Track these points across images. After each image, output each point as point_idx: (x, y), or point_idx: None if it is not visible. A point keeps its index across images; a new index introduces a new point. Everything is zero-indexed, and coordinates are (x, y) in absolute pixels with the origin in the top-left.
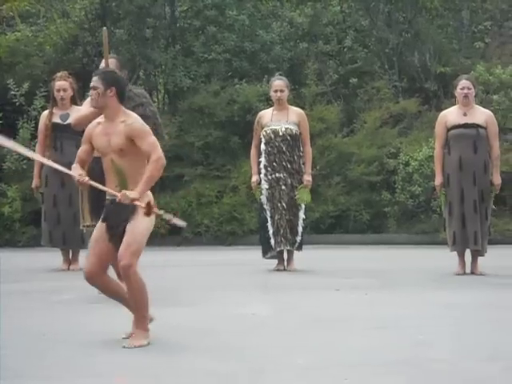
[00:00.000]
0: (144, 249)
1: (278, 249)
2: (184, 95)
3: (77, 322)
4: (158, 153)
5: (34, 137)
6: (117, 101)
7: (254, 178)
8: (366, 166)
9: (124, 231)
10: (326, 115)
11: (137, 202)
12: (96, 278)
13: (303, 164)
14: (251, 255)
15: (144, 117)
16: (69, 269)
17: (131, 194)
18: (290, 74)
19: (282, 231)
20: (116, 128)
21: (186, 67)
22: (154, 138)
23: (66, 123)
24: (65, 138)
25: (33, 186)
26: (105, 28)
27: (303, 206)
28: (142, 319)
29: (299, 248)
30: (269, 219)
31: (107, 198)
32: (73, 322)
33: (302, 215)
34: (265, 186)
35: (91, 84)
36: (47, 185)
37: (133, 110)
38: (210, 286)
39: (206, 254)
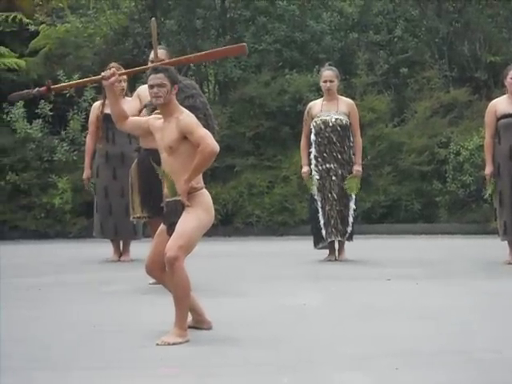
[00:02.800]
0: (203, 239)
1: (329, 240)
2: (235, 86)
3: (127, 313)
4: (205, 143)
5: (84, 128)
6: (175, 98)
7: (305, 169)
8: (417, 156)
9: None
10: (377, 105)
11: (184, 199)
12: (154, 270)
13: (353, 154)
14: (302, 245)
15: (194, 108)
16: (119, 260)
17: (180, 190)
18: (341, 64)
19: (332, 222)
20: (169, 124)
21: (236, 58)
22: (203, 130)
23: None
24: (116, 128)
25: (84, 177)
26: (153, 19)
27: (353, 197)
28: (181, 318)
29: (350, 238)
30: (320, 210)
31: (165, 200)
32: (123, 313)
33: (352, 205)
34: (316, 176)
35: (155, 81)
36: (98, 176)
37: (183, 101)
38: (260, 276)
39: (256, 245)
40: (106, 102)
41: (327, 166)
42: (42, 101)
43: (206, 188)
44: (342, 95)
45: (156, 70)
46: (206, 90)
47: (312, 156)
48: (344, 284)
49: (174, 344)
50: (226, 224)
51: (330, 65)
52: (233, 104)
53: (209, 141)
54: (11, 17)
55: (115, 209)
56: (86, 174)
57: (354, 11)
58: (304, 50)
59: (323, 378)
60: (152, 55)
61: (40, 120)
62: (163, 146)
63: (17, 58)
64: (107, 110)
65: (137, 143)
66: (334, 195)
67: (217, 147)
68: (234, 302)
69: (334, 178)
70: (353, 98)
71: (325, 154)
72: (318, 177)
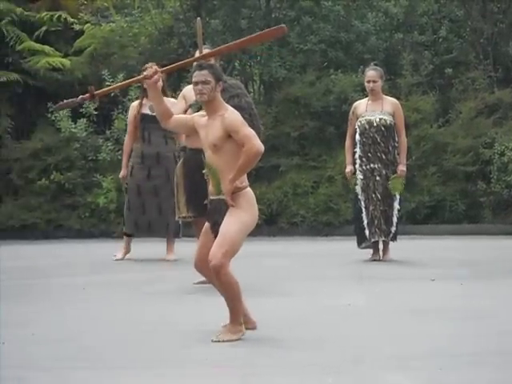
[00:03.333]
0: (247, 239)
1: (373, 240)
2: (280, 86)
3: (170, 313)
4: (250, 143)
5: None
6: (220, 95)
7: (348, 168)
8: (462, 156)
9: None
10: (422, 105)
11: (228, 199)
12: (202, 267)
13: (398, 154)
14: (347, 245)
15: (239, 108)
16: (166, 259)
17: (225, 189)
18: (386, 65)
19: (376, 222)
20: (214, 122)
21: (281, 58)
22: (248, 130)
23: (154, 114)
24: (152, 128)
25: (120, 175)
26: (199, 19)
27: (398, 197)
28: (235, 315)
29: (394, 238)
30: (363, 210)
31: (210, 197)
32: (166, 313)
33: (396, 206)
34: (359, 176)
35: (199, 78)
36: (132, 175)
37: (228, 101)
38: (305, 276)
39: (301, 245)
40: (144, 101)
41: (371, 165)
42: (87, 100)
43: (250, 188)
44: (387, 95)
45: (200, 67)
46: (252, 90)
47: (357, 156)
48: (388, 284)
49: (228, 341)
50: (271, 224)
51: (375, 64)
52: (278, 104)
53: (254, 141)
54: (56, 16)
55: (148, 208)
56: (123, 173)
57: (399, 11)
58: (349, 50)
59: (367, 378)
60: (197, 54)
61: (84, 119)
62: (207, 143)
63: (61, 57)
64: (145, 110)
65: (173, 144)
66: (378, 195)
67: (262, 147)
68: (279, 302)
69: (378, 178)
70: (398, 98)
71: (369, 154)
72: (361, 176)
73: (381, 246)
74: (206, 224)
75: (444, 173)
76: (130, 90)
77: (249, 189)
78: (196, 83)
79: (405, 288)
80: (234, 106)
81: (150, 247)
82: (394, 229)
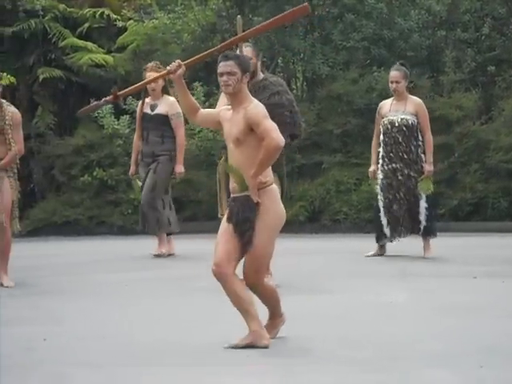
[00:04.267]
0: (282, 235)
1: (394, 240)
2: (322, 83)
3: (214, 310)
4: (269, 136)
5: None
6: (246, 87)
7: (372, 168)
8: (504, 154)
9: (246, 230)
10: (464, 103)
11: (253, 195)
12: (223, 271)
13: (423, 153)
14: (389, 243)
15: (280, 105)
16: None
17: (249, 185)
18: (428, 62)
19: (401, 220)
20: (237, 115)
21: (324, 55)
22: (269, 123)
23: (153, 113)
24: (150, 128)
25: (129, 173)
26: (239, 16)
27: (424, 196)
28: (277, 309)
29: (429, 235)
30: (381, 209)
31: (231, 195)
32: (210, 310)
33: (423, 204)
34: (380, 176)
35: (224, 69)
36: (138, 172)
37: (268, 98)
38: (347, 273)
39: (344, 242)
40: (147, 100)
41: (393, 165)
42: (130, 97)
43: (293, 185)
44: (428, 93)
45: (226, 57)
46: (294, 87)
47: (380, 155)
48: (430, 281)
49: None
50: (314, 221)
51: (401, 64)
52: (320, 101)
53: (274, 134)
54: (99, 12)
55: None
56: (132, 170)
57: (442, 9)
58: (392, 47)
59: (408, 374)
60: (238, 52)
61: (127, 116)
62: (231, 137)
63: (104, 53)
64: (146, 109)
65: (171, 144)
66: (402, 194)
67: (282, 141)
68: (320, 300)
69: (400, 177)
70: (440, 96)
71: (391, 154)
72: (381, 176)
73: (422, 244)
74: (224, 224)
75: (486, 170)
76: (172, 86)
77: (273, 185)
78: (221, 74)
79: (447, 285)
80: (275, 104)
81: (191, 244)
82: (422, 226)
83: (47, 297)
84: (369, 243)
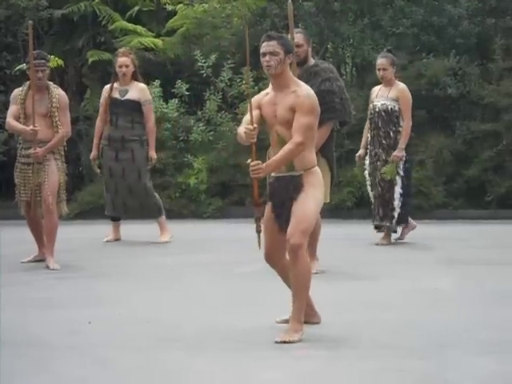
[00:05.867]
0: (329, 221)
1: (375, 223)
2: (372, 69)
3: (261, 294)
4: (301, 137)
5: (220, 108)
6: (289, 69)
7: (359, 152)
8: None
9: (289, 210)
10: None
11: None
12: (273, 259)
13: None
14: (436, 229)
15: (330, 92)
16: (116, 240)
17: (264, 168)
18: (477, 49)
19: (376, 206)
20: (284, 98)
21: (373, 40)
22: (310, 120)
23: (123, 99)
24: (120, 113)
25: (90, 157)
26: (290, 1)
27: (399, 182)
28: (298, 311)
29: (400, 222)
30: (370, 193)
31: (272, 175)
32: (257, 294)
33: (398, 190)
34: (367, 161)
35: (267, 49)
36: (103, 156)
37: (319, 85)
38: (393, 260)
39: None
40: (115, 85)
41: (375, 150)
42: (179, 80)
43: (342, 170)
44: (477, 80)
45: (269, 37)
46: (344, 73)
47: (369, 141)
48: (477, 269)
49: (291, 342)
50: (361, 207)
51: (388, 51)
52: (370, 87)
53: (304, 135)
54: None
55: (120, 189)
56: (93, 154)
57: None
58: (441, 34)
59: (454, 362)
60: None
61: (176, 100)
62: (278, 120)
63: (154, 37)
64: (115, 94)
65: (141, 129)
66: (377, 180)
67: (304, 148)
68: (366, 285)
69: (378, 162)
70: (489, 83)
71: (374, 139)
72: (368, 161)
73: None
74: (268, 210)
75: None
76: (221, 71)
77: (317, 168)
78: (264, 54)
79: (493, 273)
80: (326, 90)
81: (239, 228)
82: (396, 213)
83: (93, 280)
84: (416, 229)
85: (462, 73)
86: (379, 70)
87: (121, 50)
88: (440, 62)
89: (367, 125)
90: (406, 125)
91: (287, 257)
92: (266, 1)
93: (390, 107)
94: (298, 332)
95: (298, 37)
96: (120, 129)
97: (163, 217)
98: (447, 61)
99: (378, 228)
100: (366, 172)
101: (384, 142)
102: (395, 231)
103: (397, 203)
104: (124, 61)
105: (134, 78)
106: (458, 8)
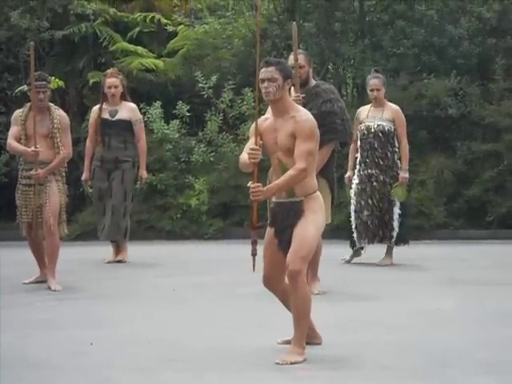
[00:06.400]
0: (330, 242)
1: (361, 245)
2: None
3: (262, 315)
4: (304, 164)
5: (221, 129)
6: (288, 94)
7: (347, 174)
8: None
9: (290, 235)
10: None
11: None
12: (272, 284)
13: (398, 159)
14: (437, 249)
15: (332, 113)
16: (116, 260)
17: (264, 190)
18: (478, 69)
19: (370, 227)
20: (284, 124)
21: (374, 61)
22: (313, 146)
23: (114, 119)
24: (112, 134)
25: (82, 178)
26: (294, 23)
27: (398, 203)
28: (300, 336)
29: (400, 242)
30: (352, 214)
31: (273, 200)
32: (258, 315)
33: (396, 211)
34: (355, 181)
35: (265, 75)
36: (94, 178)
37: (320, 105)
38: (394, 280)
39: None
40: (104, 106)
41: (369, 171)
42: (180, 101)
43: (342, 191)
44: (478, 101)
45: (267, 63)
46: (344, 93)
47: (357, 161)
48: (478, 289)
49: (294, 363)
50: None
51: (375, 71)
52: None
53: (308, 162)
54: (149, 17)
55: (107, 211)
56: (85, 176)
57: (492, 16)
58: (442, 54)
59: (456, 382)
60: (291, 57)
61: (177, 120)
62: (278, 146)
63: (155, 58)
64: (104, 115)
65: (134, 149)
66: (375, 201)
67: (307, 174)
68: (365, 306)
69: (374, 183)
70: (490, 104)
71: (367, 160)
72: (357, 181)
73: (384, 250)
74: (269, 234)
75: None
76: (222, 91)
77: (318, 193)
78: (262, 80)
79: (495, 293)
80: (327, 111)
81: (239, 249)
82: (395, 233)
83: (94, 301)
84: (417, 249)
85: (463, 93)
86: (372, 90)
87: (109, 70)
88: (441, 83)
89: (354, 146)
90: (404, 145)
91: (286, 281)
92: (267, 22)
93: (386, 128)
94: (300, 355)
95: (299, 58)
96: (113, 149)
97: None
98: (448, 81)
99: (358, 250)
100: (352, 192)
101: (382, 162)
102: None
103: (396, 224)
104: (113, 81)
105: (123, 98)
106: (458, 28)
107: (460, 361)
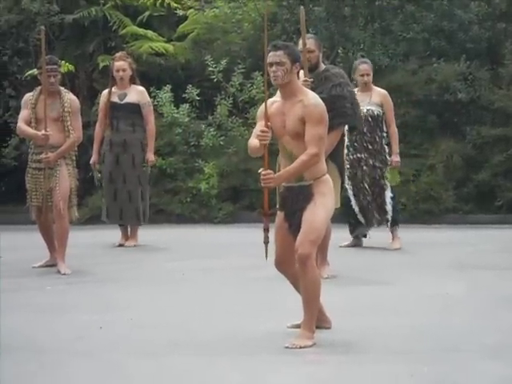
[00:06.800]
0: (339, 226)
1: (370, 227)
2: (382, 74)
3: (274, 299)
4: (315, 148)
5: (231, 113)
6: (297, 78)
7: None
8: None
9: (300, 219)
10: None
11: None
12: (284, 267)
13: (386, 144)
14: (447, 234)
15: (342, 97)
16: (124, 245)
17: (275, 177)
18: (488, 54)
19: (369, 209)
20: (292, 108)
21: (384, 46)
22: (322, 131)
23: (122, 102)
24: (120, 117)
25: (91, 162)
26: (302, 7)
27: (389, 185)
28: (310, 319)
29: (395, 224)
30: (352, 198)
31: (282, 185)
32: (269, 299)
33: (388, 194)
34: (346, 165)
35: (273, 59)
36: (104, 162)
37: (330, 90)
38: (404, 264)
39: (402, 232)
40: (113, 89)
41: (358, 155)
42: (190, 85)
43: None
44: (487, 85)
45: (275, 47)
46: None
47: (345, 145)
48: (488, 274)
49: (303, 347)
50: None
51: (362, 56)
52: None
53: (320, 148)
54: (159, 1)
55: (119, 194)
56: (94, 159)
57: (502, 1)
58: (451, 39)
59: (464, 366)
60: (300, 44)
61: (187, 104)
62: (286, 130)
63: (164, 42)
64: (113, 99)
65: (142, 132)
66: (366, 185)
67: (320, 158)
68: (377, 290)
69: (364, 167)
70: (499, 88)
71: (356, 144)
72: (348, 166)
73: (390, 236)
74: (279, 218)
75: None
76: (232, 75)
77: (327, 176)
78: (270, 64)
79: (504, 278)
80: (337, 95)
81: (249, 233)
82: (389, 216)
83: (104, 285)
84: (426, 234)
85: (473, 77)
86: (363, 75)
87: (117, 54)
88: (450, 67)
89: None
90: (393, 129)
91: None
92: (277, 6)
93: (376, 112)
94: (309, 339)
95: (309, 42)
96: (121, 132)
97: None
98: (457, 66)
99: (359, 236)
100: (346, 177)
101: (370, 147)
102: (365, 236)
103: (389, 207)
104: (121, 65)
105: (132, 81)
106: (468, 13)
107: (468, 345)
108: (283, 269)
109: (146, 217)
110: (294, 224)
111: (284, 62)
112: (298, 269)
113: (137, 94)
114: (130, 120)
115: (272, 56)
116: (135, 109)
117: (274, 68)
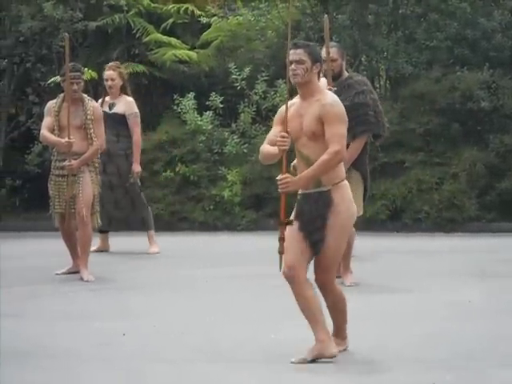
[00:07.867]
0: (363, 234)
1: None
2: (406, 82)
3: (289, 309)
4: (338, 146)
5: (254, 121)
6: (317, 78)
7: None
8: None
9: (320, 229)
10: None
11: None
12: (294, 272)
13: None
14: (469, 242)
15: (364, 105)
16: (148, 252)
17: (293, 181)
18: (511, 62)
19: None
20: (309, 107)
21: (407, 54)
22: (343, 129)
23: (110, 112)
24: (107, 126)
25: None
26: (326, 16)
27: None
28: (340, 326)
29: None
30: None
31: (299, 192)
32: (285, 308)
33: None
34: None
35: (293, 57)
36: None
37: (353, 97)
38: (427, 272)
39: (425, 240)
40: (106, 99)
41: None
42: (213, 93)
43: (375, 183)
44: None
45: (296, 45)
46: (377, 86)
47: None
48: (510, 282)
49: (326, 357)
50: (395, 219)
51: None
52: (403, 100)
53: (342, 146)
54: (183, 8)
55: (106, 202)
56: None
57: None
58: (475, 47)
59: (483, 374)
60: (323, 53)
61: (210, 112)
62: (303, 131)
63: (188, 49)
64: (105, 108)
65: (127, 142)
66: None
67: (344, 156)
68: (399, 298)
69: None
70: None
71: None
72: None
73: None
74: (293, 228)
75: None
76: (256, 83)
77: (345, 182)
78: (290, 62)
79: None
80: (360, 103)
81: (272, 241)
82: None
83: (127, 292)
84: (449, 242)
85: (496, 86)
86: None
87: (109, 64)
88: (473, 75)
89: None
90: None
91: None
92: (300, 14)
93: None
94: (338, 346)
95: (332, 51)
96: (106, 142)
97: (152, 231)
98: (481, 74)
99: None
100: None
101: None
102: None
103: None
104: (110, 74)
105: (123, 91)
106: (491, 21)
107: (487, 354)
108: (292, 274)
109: (147, 224)
110: (313, 233)
111: (304, 60)
112: (323, 293)
113: (124, 104)
114: (115, 130)
115: (292, 54)
116: (121, 119)
117: (293, 66)
